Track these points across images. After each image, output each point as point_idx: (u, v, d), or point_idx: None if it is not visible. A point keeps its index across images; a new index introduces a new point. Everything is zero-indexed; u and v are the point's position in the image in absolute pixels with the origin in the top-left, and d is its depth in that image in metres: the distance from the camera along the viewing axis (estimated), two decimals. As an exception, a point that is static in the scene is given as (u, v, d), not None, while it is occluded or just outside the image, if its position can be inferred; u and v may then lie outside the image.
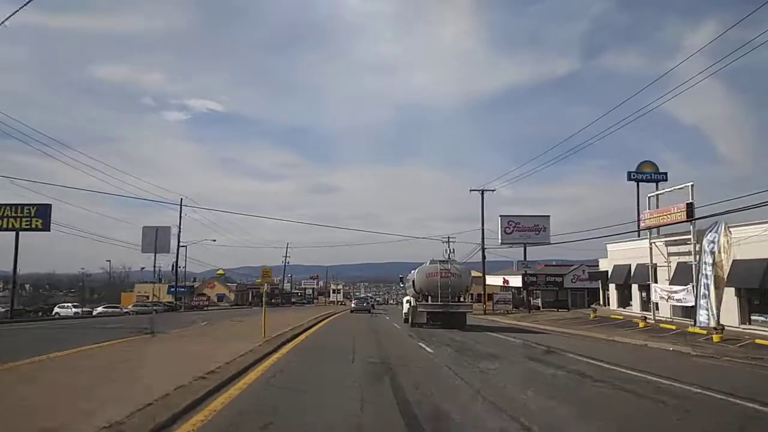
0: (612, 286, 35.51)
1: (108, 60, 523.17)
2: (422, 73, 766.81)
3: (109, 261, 79.99)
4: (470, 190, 43.00)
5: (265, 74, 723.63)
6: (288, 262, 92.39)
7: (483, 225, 43.10)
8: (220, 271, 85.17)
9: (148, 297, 78.41)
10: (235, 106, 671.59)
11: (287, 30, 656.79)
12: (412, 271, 25.26)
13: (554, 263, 59.34)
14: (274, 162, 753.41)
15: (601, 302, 40.65)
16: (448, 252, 75.09)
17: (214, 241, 56.26)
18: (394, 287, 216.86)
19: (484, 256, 42.43)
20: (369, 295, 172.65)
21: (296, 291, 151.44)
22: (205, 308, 63.26)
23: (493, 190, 42.16)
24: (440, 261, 22.93)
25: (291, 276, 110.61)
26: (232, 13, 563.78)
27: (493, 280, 70.10)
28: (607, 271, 36.02)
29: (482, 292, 45.01)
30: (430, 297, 21.70)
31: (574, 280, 52.11)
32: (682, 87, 31.95)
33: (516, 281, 54.16)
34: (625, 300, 34.15)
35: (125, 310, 47.07)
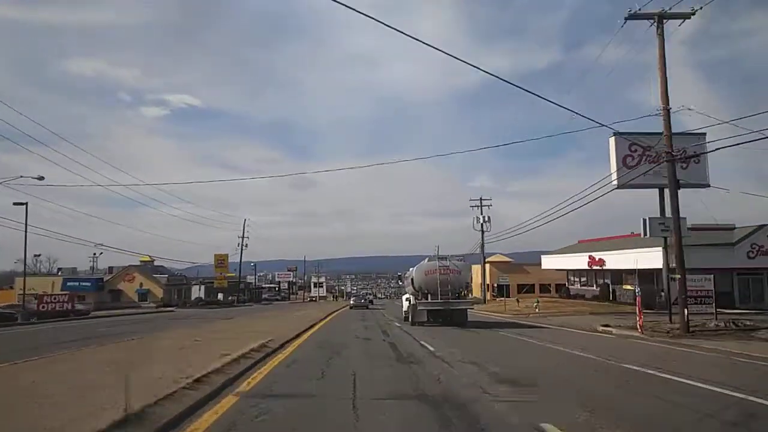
0: None
1: (81, 54, 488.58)
2: (404, 66, 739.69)
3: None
4: (626, 20, 17.38)
5: (244, 68, 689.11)
6: (246, 245, 67.17)
7: (667, 98, 17.69)
8: (145, 258, 59.47)
9: (35, 295, 54.01)
10: (213, 101, 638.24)
11: (268, 22, 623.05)
12: (411, 269, 24.01)
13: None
14: (254, 157, 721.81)
15: None
16: (482, 220, 50.63)
17: (42, 178, 29.09)
18: (379, 281, 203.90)
19: (675, 187, 17.01)
20: (354, 289, 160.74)
21: (271, 286, 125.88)
22: (81, 317, 36.99)
23: (693, 13, 16.84)
24: (439, 258, 21.73)
25: (255, 265, 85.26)
26: (211, 5, 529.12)
27: (553, 262, 45.65)
28: None
29: (674, 277, 19.92)
30: (429, 295, 20.82)
31: (753, 254, 28.11)
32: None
33: (647, 259, 29.22)
34: None
35: None
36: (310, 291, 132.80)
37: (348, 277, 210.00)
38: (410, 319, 22.15)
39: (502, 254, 71.88)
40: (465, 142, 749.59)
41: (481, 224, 47.17)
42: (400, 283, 37.18)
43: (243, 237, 67.61)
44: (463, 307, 21.25)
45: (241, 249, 67.04)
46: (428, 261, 21.75)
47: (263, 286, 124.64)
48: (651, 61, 16.82)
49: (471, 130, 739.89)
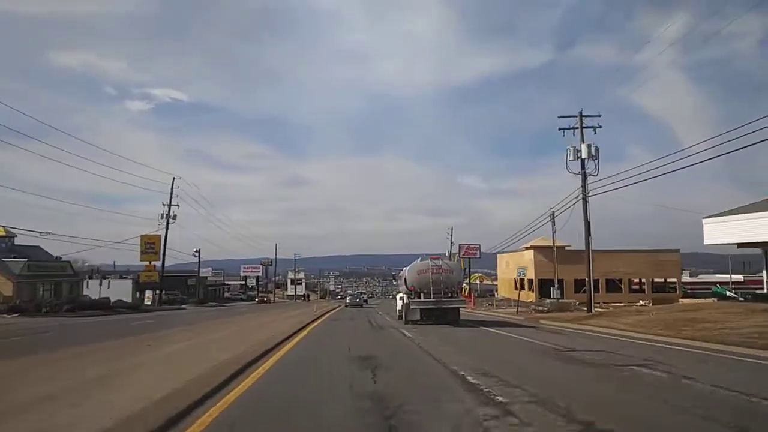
0: None
1: (66, 47, 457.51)
2: (395, 62, 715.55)
3: None
4: None
5: (233, 62, 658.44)
6: (174, 215, 43.98)
7: None
8: (-2, 231, 35.86)
9: None
10: (200, 96, 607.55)
11: (257, 16, 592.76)
12: (404, 269, 25.38)
13: None
14: (243, 153, 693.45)
15: None
16: (583, 153, 28.70)
17: None
18: (364, 279, 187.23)
19: None
20: (339, 287, 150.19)
21: (241, 283, 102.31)
22: None
23: None
24: (431, 258, 22.68)
25: (198, 250, 61.99)
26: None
27: (742, 231, 23.23)
28: None
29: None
30: (422, 294, 21.66)
31: None
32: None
33: None
34: None
35: None
36: (287, 288, 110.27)
37: (332, 274, 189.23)
38: (404, 318, 22.64)
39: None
40: (458, 139, 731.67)
41: (582, 161, 24.73)
42: (395, 282, 38.68)
43: (170, 205, 44.16)
44: (456, 306, 21.95)
45: (167, 221, 43.86)
46: (421, 261, 22.40)
47: (227, 283, 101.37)
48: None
49: (463, 127, 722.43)
